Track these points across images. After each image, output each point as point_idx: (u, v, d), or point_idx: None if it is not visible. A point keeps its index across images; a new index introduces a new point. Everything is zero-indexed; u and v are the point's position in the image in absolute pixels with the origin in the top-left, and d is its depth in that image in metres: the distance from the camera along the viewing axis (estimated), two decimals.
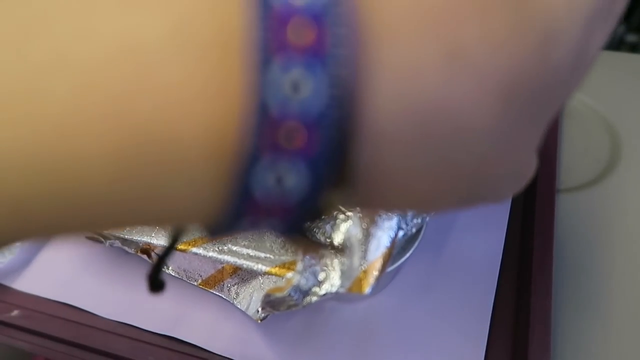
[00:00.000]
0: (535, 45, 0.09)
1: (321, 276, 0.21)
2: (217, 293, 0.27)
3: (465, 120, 0.09)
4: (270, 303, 0.23)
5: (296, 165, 0.08)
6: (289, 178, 0.08)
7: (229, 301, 0.27)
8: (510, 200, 0.31)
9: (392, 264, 0.24)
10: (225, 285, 0.27)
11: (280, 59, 0.08)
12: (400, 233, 0.22)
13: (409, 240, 0.25)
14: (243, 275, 0.27)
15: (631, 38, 0.55)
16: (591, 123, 0.38)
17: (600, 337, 0.27)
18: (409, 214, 0.23)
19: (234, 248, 0.25)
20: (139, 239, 0.26)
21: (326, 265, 0.21)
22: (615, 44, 0.54)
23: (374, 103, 0.08)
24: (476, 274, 0.28)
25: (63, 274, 0.31)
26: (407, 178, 0.09)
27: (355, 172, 0.09)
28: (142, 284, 0.30)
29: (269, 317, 0.25)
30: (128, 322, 0.28)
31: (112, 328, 0.28)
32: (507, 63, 0.09)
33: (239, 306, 0.27)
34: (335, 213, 0.22)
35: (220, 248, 0.25)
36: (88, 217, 0.09)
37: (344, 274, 0.21)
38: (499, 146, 0.09)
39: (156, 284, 0.13)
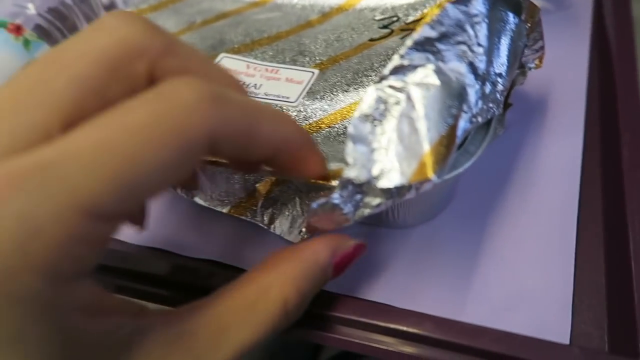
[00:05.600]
0: None
1: (375, 170, 0.17)
2: (250, 220, 0.24)
3: None
4: (317, 219, 0.19)
5: None
6: None
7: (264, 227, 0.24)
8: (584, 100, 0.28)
9: (456, 167, 0.21)
10: (258, 211, 0.24)
11: None
12: (465, 116, 0.18)
13: (473, 140, 0.22)
14: (278, 197, 0.24)
15: None
16: None
17: None
18: (471, 95, 0.19)
19: None
20: None
21: (380, 159, 0.17)
22: None
23: None
24: (554, 181, 0.25)
25: None
26: None
27: None
28: (175, 216, 0.27)
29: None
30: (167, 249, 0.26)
31: (151, 254, 0.25)
32: None
33: (275, 232, 0.23)
34: (385, 94, 0.18)
35: None
36: None
37: (401, 164, 0.17)
38: None
39: None
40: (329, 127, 0.23)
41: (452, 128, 0.17)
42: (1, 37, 0.27)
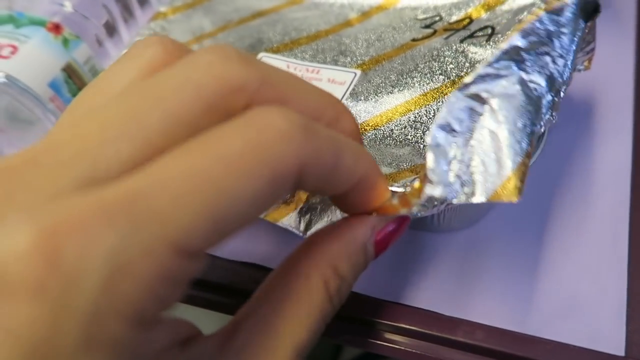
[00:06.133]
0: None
1: (455, 186, 0.16)
2: (286, 226, 0.23)
3: None
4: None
5: None
6: None
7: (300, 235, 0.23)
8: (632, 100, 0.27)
9: None
10: (295, 217, 0.23)
11: None
12: (535, 129, 0.18)
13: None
14: (317, 203, 0.23)
15: None
16: None
17: None
18: (544, 107, 0.18)
19: None
20: None
21: (459, 173, 0.16)
22: None
23: None
24: (603, 185, 0.24)
25: None
26: None
27: None
28: None
29: None
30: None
31: None
32: None
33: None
34: (466, 104, 0.17)
35: None
36: None
37: (482, 181, 0.16)
38: None
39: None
40: (375, 129, 0.23)
41: (531, 143, 0.17)
42: (41, 35, 0.27)
